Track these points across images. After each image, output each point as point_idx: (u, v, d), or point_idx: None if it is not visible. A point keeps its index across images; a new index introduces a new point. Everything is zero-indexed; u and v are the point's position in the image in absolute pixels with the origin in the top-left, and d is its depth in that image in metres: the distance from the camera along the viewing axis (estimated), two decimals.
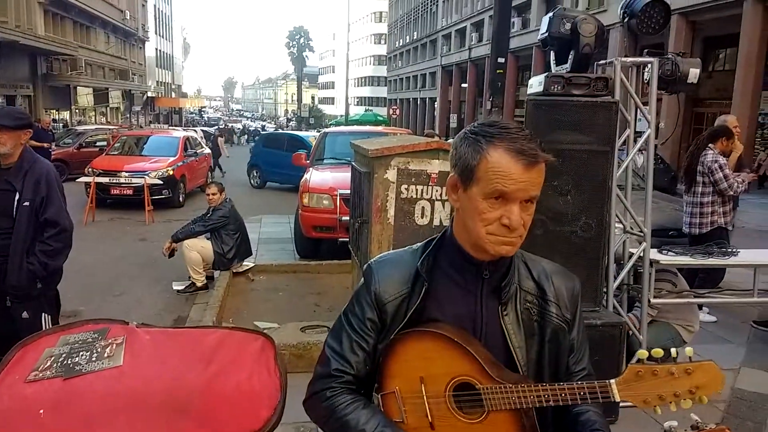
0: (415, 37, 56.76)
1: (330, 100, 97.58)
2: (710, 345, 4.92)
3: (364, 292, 1.42)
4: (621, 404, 3.61)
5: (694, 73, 3.87)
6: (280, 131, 17.06)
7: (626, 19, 3.87)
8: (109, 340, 1.64)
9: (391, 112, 51.32)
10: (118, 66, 41.56)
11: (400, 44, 62.50)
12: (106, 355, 1.59)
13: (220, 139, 21.55)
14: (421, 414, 1.30)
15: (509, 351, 1.33)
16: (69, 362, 1.57)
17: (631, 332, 3.86)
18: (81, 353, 1.59)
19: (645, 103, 3.91)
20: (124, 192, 11.74)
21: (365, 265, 1.48)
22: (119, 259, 7.86)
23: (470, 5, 41.26)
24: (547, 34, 3.87)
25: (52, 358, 1.58)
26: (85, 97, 35.87)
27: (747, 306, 5.79)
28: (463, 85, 42.16)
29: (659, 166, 15.56)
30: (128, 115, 42.62)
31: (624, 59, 3.80)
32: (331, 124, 39.38)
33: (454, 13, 45.05)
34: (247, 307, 5.69)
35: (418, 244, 1.45)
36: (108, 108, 39.27)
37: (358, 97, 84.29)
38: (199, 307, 5.55)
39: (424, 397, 1.30)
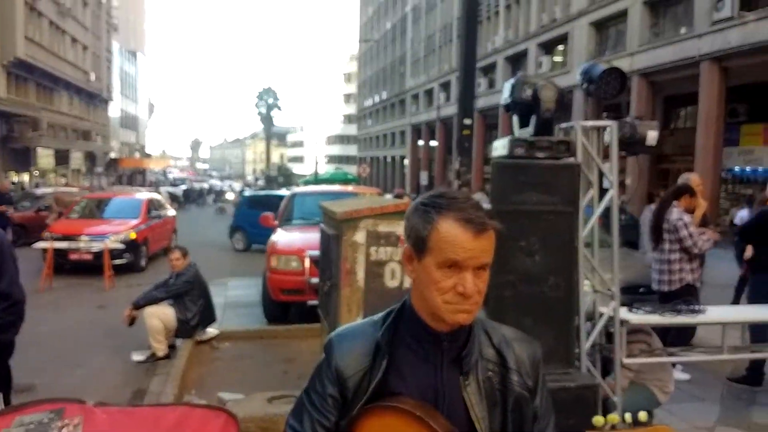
0: (384, 97, 58.19)
1: (299, 159, 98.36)
2: (685, 404, 4.89)
3: (325, 367, 1.39)
4: None
5: (652, 136, 3.98)
6: (265, 192, 16.15)
7: (585, 85, 4.00)
8: (66, 421, 1.58)
9: (360, 170, 51.87)
10: (81, 127, 41.35)
11: (370, 104, 63.93)
12: None
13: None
14: None
15: (472, 422, 1.31)
16: None
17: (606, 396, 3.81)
18: None
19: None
20: (84, 257, 11.39)
21: (326, 339, 1.44)
22: (76, 329, 7.55)
23: (437, 67, 42.65)
24: (510, 99, 3.97)
25: None
26: (45, 158, 35.36)
27: (719, 363, 5.83)
28: (433, 143, 43.06)
29: (628, 222, 15.98)
30: (90, 177, 42.08)
31: (584, 123, 3.90)
32: (301, 183, 39.47)
33: (421, 74, 46.46)
34: (210, 377, 5.47)
35: (379, 315, 1.43)
36: (69, 169, 38.74)
37: (328, 156, 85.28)
38: (160, 379, 5.31)
39: None
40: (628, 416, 1.16)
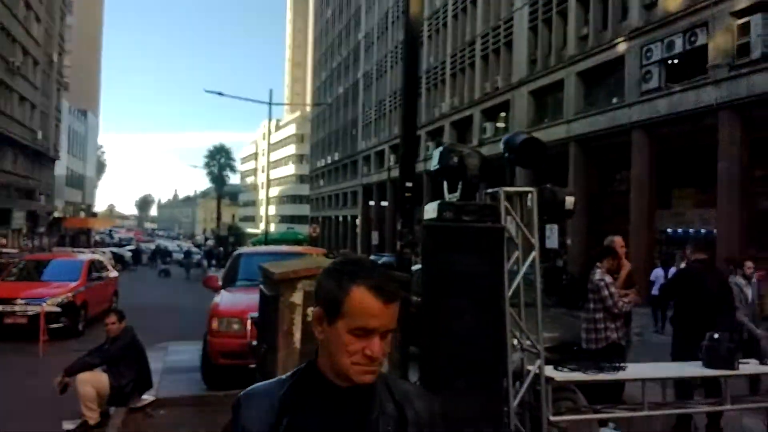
0: (336, 158, 58.88)
1: (251, 218, 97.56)
2: None
3: (233, 426, 1.45)
4: None
5: (570, 201, 4.27)
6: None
7: (507, 155, 4.28)
8: None
9: (311, 230, 51.78)
10: (24, 186, 40.13)
11: (322, 164, 64.51)
12: None
13: None
14: None
15: None
16: None
17: None
18: None
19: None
20: (18, 321, 10.94)
21: (235, 399, 1.50)
22: (4, 398, 7.17)
23: (387, 130, 43.68)
24: (438, 165, 4.21)
25: None
26: None
27: (650, 419, 6.00)
28: (383, 203, 43.53)
29: (569, 282, 16.40)
30: (31, 237, 40.57)
31: (507, 189, 4.15)
32: (251, 243, 39.01)
33: (372, 136, 47.42)
34: None
35: (287, 374, 1.49)
36: (10, 230, 37.29)
37: (280, 215, 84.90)
38: None
39: None
40: None
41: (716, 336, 4.29)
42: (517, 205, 4.27)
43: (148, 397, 6.32)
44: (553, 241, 18.30)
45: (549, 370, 4.06)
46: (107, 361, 6.07)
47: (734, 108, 16.37)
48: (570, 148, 22.69)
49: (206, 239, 63.92)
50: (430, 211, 4.15)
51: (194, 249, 46.05)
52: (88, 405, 5.85)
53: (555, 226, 19.17)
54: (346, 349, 1.34)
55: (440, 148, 4.25)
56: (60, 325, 11.16)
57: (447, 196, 4.26)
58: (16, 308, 10.96)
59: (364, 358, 1.34)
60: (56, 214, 50.10)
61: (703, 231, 18.24)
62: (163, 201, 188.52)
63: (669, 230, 19.99)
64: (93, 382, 5.93)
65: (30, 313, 10.85)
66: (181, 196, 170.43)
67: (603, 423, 5.62)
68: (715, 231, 17.04)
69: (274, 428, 1.40)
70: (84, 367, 5.99)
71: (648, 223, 19.53)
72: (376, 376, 1.38)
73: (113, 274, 15.67)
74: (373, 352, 1.33)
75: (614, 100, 21.15)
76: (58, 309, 11.16)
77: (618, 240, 6.06)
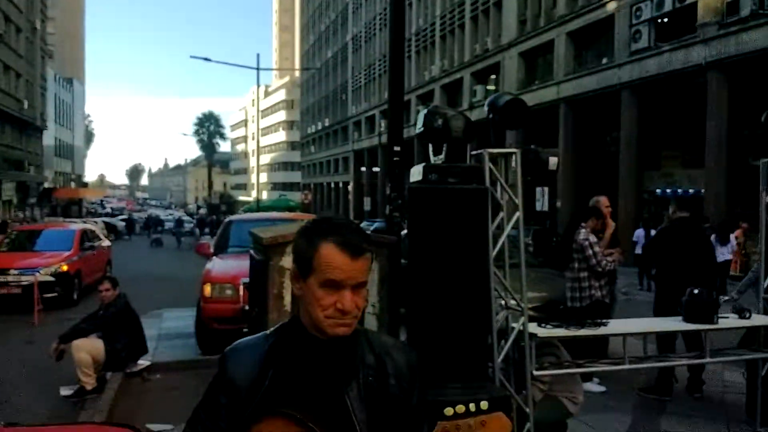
0: (326, 124, 58.45)
1: (243, 186, 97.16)
2: (599, 414, 5.17)
3: (219, 379, 1.51)
4: None
5: (553, 162, 4.31)
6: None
7: (490, 116, 4.30)
8: None
9: (303, 197, 51.68)
10: (12, 156, 39.74)
11: (313, 130, 64.06)
12: None
13: None
14: None
15: (354, 424, 1.44)
16: None
17: (518, 407, 4.04)
18: None
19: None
20: (12, 291, 11.00)
21: (221, 354, 1.56)
22: (3, 365, 7.28)
23: (377, 95, 43.33)
24: (422, 128, 4.23)
25: None
26: None
27: (633, 374, 6.18)
28: (375, 169, 43.47)
29: (556, 244, 16.59)
30: (22, 208, 40.35)
31: (491, 150, 4.18)
32: (243, 211, 38.94)
33: (363, 101, 47.04)
34: (140, 409, 5.42)
35: (272, 329, 1.56)
36: (0, 201, 37.10)
37: (272, 183, 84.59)
38: (88, 413, 5.22)
39: None
40: (472, 406, 1.36)
41: (696, 291, 4.40)
42: (502, 166, 4.31)
43: (143, 362, 6.44)
44: (543, 204, 18.43)
45: (533, 327, 4.16)
46: (102, 328, 6.16)
47: (723, 67, 16.36)
48: (560, 109, 22.65)
49: (198, 208, 63.81)
50: (416, 174, 4.18)
51: (186, 218, 45.87)
52: (84, 371, 5.95)
53: (545, 189, 19.30)
54: (319, 304, 1.41)
55: (424, 111, 4.26)
56: (54, 294, 11.23)
57: (432, 159, 4.29)
58: (10, 278, 11.01)
59: (336, 312, 1.40)
60: (46, 185, 49.77)
61: (690, 191, 18.42)
62: (154, 170, 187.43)
63: (657, 191, 20.16)
64: (88, 348, 6.03)
65: (24, 283, 10.90)
66: (171, 164, 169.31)
67: (587, 378, 5.81)
68: (702, 191, 17.20)
69: (260, 379, 1.46)
70: (79, 334, 6.08)
71: (636, 183, 19.68)
72: (350, 328, 1.44)
73: (106, 243, 15.70)
74: (344, 305, 1.40)
75: (604, 61, 21.06)
76: (52, 278, 11.22)
77: (603, 200, 6.13)
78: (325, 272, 1.40)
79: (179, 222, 36.51)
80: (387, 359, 1.54)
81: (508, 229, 4.17)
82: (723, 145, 16.34)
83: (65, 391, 6.08)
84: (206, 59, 32.02)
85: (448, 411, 1.35)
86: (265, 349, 1.50)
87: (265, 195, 64.56)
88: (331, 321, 1.42)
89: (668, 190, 19.49)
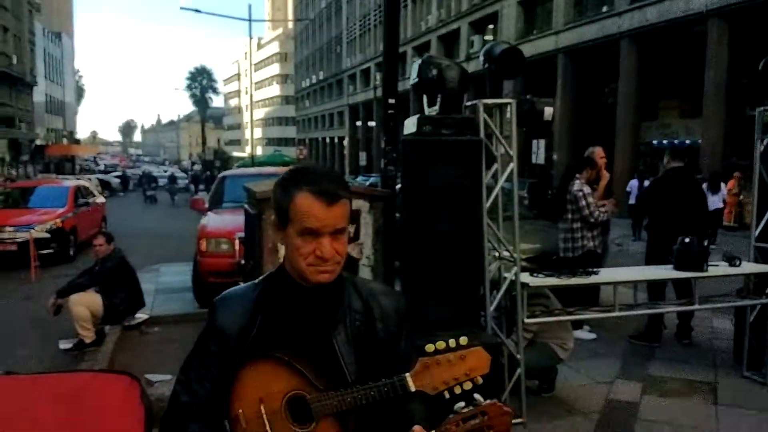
0: (321, 77, 57.60)
1: (237, 142, 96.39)
2: (588, 360, 5.29)
3: (210, 328, 1.54)
4: None
5: (548, 112, 4.28)
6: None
7: (486, 65, 4.24)
8: None
9: (298, 152, 51.37)
10: (3, 113, 39.23)
11: (307, 84, 63.18)
12: None
13: None
14: (262, 431, 1.41)
15: (341, 366, 1.47)
16: None
17: (509, 353, 4.13)
18: None
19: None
20: (8, 248, 11.01)
21: (211, 303, 1.58)
22: (2, 321, 7.37)
23: (373, 46, 42.57)
24: (417, 79, 4.17)
25: None
26: None
27: (623, 321, 6.30)
28: (371, 123, 43.11)
29: (552, 196, 16.65)
30: (15, 166, 40.07)
31: (486, 101, 4.13)
32: (238, 167, 38.75)
33: (358, 53, 46.25)
34: (138, 360, 5.50)
35: (259, 278, 1.58)
36: None
37: (267, 138, 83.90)
38: (87, 365, 5.31)
39: (263, 416, 1.42)
40: (452, 342, 1.38)
41: (687, 240, 4.44)
42: (497, 117, 4.28)
43: (141, 316, 6.52)
44: (538, 156, 18.37)
45: (524, 277, 4.21)
46: (98, 282, 6.20)
47: (723, 14, 16.07)
48: (558, 60, 22.33)
49: (192, 164, 63.45)
50: (410, 125, 4.15)
51: (179, 174, 45.63)
52: (82, 324, 6.03)
53: (542, 142, 19.21)
54: (299, 252, 1.42)
55: (419, 61, 4.20)
56: (50, 251, 11.27)
57: (426, 110, 4.25)
58: (5, 235, 11.01)
59: (316, 259, 1.41)
60: (38, 142, 49.31)
61: (687, 141, 18.37)
62: (147, 126, 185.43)
63: (654, 142, 20.10)
64: (86, 302, 6.08)
65: (19, 240, 10.92)
66: (164, 120, 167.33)
67: (578, 326, 5.91)
68: (699, 141, 17.15)
69: (248, 326, 1.49)
70: (76, 288, 6.13)
71: (633, 134, 19.59)
72: (332, 275, 1.45)
73: (100, 199, 15.67)
74: (323, 252, 1.40)
75: (604, 9, 20.65)
76: (47, 235, 11.23)
77: (598, 150, 6.10)
78: (301, 221, 1.40)
79: (172, 178, 36.23)
80: (374, 304, 1.56)
81: (501, 181, 4.17)
82: (721, 94, 16.20)
83: (64, 345, 6.17)
84: (197, 11, 31.35)
85: (429, 347, 1.37)
86: (253, 297, 1.53)
87: (259, 150, 64.16)
88: (312, 268, 1.43)
89: (665, 141, 19.43)
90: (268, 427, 1.42)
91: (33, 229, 10.96)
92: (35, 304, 7.94)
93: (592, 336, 5.87)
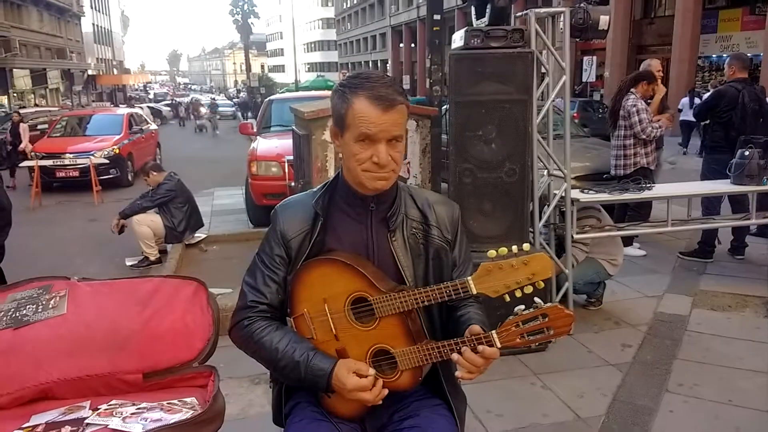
0: None
1: (280, 68, 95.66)
2: (638, 276, 5.30)
3: (272, 233, 1.63)
4: None
5: (604, 21, 4.11)
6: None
7: None
8: (53, 294, 1.82)
9: (340, 76, 50.71)
10: (55, 45, 39.92)
11: (348, 5, 61.54)
12: (50, 306, 1.77)
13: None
14: (327, 329, 1.53)
15: (399, 270, 1.56)
16: (17, 315, 1.74)
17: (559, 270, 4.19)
18: (28, 306, 1.76)
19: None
20: (70, 174, 11.56)
21: (273, 210, 1.67)
22: (70, 241, 7.84)
23: None
24: None
25: (1, 313, 1.75)
26: (22, 79, 34.46)
27: (675, 239, 6.24)
28: (414, 45, 41.99)
29: (604, 115, 16.12)
30: (69, 96, 41.10)
31: (538, 10, 4.00)
32: (282, 92, 38.63)
33: None
34: (200, 275, 5.72)
35: (319, 186, 1.65)
36: (47, 89, 37.82)
37: (308, 63, 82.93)
38: None
39: (328, 314, 1.53)
40: (514, 247, 1.44)
41: (746, 152, 4.30)
42: (549, 28, 4.15)
43: (200, 235, 6.83)
44: (590, 74, 17.66)
45: (574, 193, 4.19)
46: (157, 204, 6.49)
47: None
48: None
49: (238, 92, 63.58)
50: (457, 39, 4.07)
51: (222, 101, 45.18)
52: (146, 242, 6.38)
53: (593, 59, 18.41)
54: (356, 158, 1.46)
55: None
56: (110, 176, 11.77)
57: (474, 23, 4.15)
58: (66, 162, 11.50)
59: (372, 165, 1.46)
60: (90, 72, 50.19)
61: (749, 55, 17.29)
62: (192, 55, 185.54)
63: (713, 56, 19.01)
64: (147, 222, 6.41)
65: (80, 166, 11.40)
66: (208, 48, 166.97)
67: (628, 243, 5.89)
68: (761, 54, 16.14)
69: (310, 230, 1.58)
70: (137, 210, 6.44)
71: (691, 49, 18.52)
72: (389, 183, 1.50)
73: (153, 127, 16.05)
74: (380, 158, 1.44)
75: None
76: (106, 161, 11.69)
77: (655, 63, 5.85)
78: (358, 126, 1.43)
79: (213, 106, 33.55)
80: (430, 212, 1.62)
81: (552, 96, 4.09)
82: None
83: (130, 261, 6.56)
84: None
85: (491, 253, 1.43)
86: (313, 202, 1.59)
87: (302, 77, 63.56)
88: (369, 174, 1.47)
89: (724, 55, 18.34)
90: (332, 325, 1.52)
91: (92, 155, 11.41)
92: (99, 226, 8.41)
93: (642, 253, 5.85)
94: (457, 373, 1.45)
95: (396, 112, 1.44)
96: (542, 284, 1.44)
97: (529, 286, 1.43)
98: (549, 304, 1.42)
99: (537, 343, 1.44)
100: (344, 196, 1.58)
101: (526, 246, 1.45)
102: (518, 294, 1.44)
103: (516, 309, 1.44)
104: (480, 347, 1.41)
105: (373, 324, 1.50)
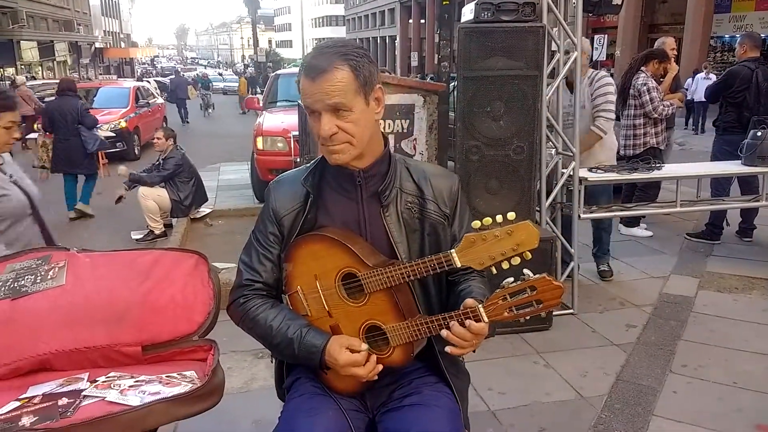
0: None
1: (288, 43, 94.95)
2: (644, 257, 5.27)
3: (266, 210, 1.61)
4: (554, 314, 3.92)
5: None
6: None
7: None
8: (52, 264, 1.80)
9: None
10: (62, 16, 39.69)
11: None
12: (49, 276, 1.75)
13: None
14: (320, 305, 1.51)
15: (392, 245, 1.52)
16: (15, 285, 1.73)
17: (563, 247, 4.15)
18: (26, 277, 1.75)
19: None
20: None
21: (267, 188, 1.65)
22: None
23: None
24: None
25: (0, 283, 1.74)
26: (29, 51, 34.33)
27: (682, 219, 6.18)
28: (423, 21, 41.46)
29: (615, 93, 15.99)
30: (77, 69, 40.96)
31: None
32: (290, 67, 38.31)
33: None
34: (205, 249, 5.72)
35: (311, 162, 1.62)
36: (55, 62, 37.70)
37: (316, 39, 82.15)
38: None
39: (320, 291, 1.51)
40: (499, 217, 1.39)
41: (759, 133, 4.22)
42: (561, 2, 4.06)
43: (206, 209, 6.83)
44: (601, 53, 17.38)
45: (583, 172, 4.14)
46: (164, 179, 6.48)
47: None
48: None
49: (246, 66, 63.08)
50: (467, 12, 4.01)
51: (229, 75, 44.48)
52: (151, 216, 6.39)
53: (604, 37, 18.11)
54: (314, 134, 1.43)
55: None
56: (117, 150, 11.73)
57: None
58: None
59: (323, 139, 1.42)
60: (97, 45, 49.95)
61: (762, 35, 16.98)
62: (200, 29, 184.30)
63: (726, 36, 18.70)
64: (154, 197, 6.41)
65: None
66: (216, 23, 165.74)
67: (635, 223, 5.85)
68: None
69: (301, 207, 1.55)
70: (142, 181, 6.43)
71: (704, 28, 18.20)
72: (345, 155, 1.44)
73: (160, 101, 15.99)
74: (321, 131, 1.39)
75: None
76: (113, 134, 11.65)
77: (669, 41, 5.74)
78: (303, 101, 1.41)
79: (206, 84, 30.32)
80: (426, 185, 1.57)
81: (564, 72, 4.01)
82: None
83: (136, 235, 6.57)
84: None
85: (475, 224, 1.38)
86: (303, 179, 1.57)
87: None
88: (324, 148, 1.44)
89: (737, 36, 18.04)
90: (324, 302, 1.50)
91: (99, 128, 11.34)
92: (106, 199, 8.39)
93: (649, 234, 5.80)
94: (447, 348, 1.41)
95: (327, 80, 1.36)
96: (529, 255, 1.38)
97: (516, 257, 1.38)
98: (537, 276, 1.36)
99: (527, 317, 1.38)
100: (333, 172, 1.55)
101: (511, 215, 1.40)
102: (505, 266, 1.39)
103: (504, 282, 1.40)
104: (467, 321, 1.37)
105: (364, 300, 1.48)
